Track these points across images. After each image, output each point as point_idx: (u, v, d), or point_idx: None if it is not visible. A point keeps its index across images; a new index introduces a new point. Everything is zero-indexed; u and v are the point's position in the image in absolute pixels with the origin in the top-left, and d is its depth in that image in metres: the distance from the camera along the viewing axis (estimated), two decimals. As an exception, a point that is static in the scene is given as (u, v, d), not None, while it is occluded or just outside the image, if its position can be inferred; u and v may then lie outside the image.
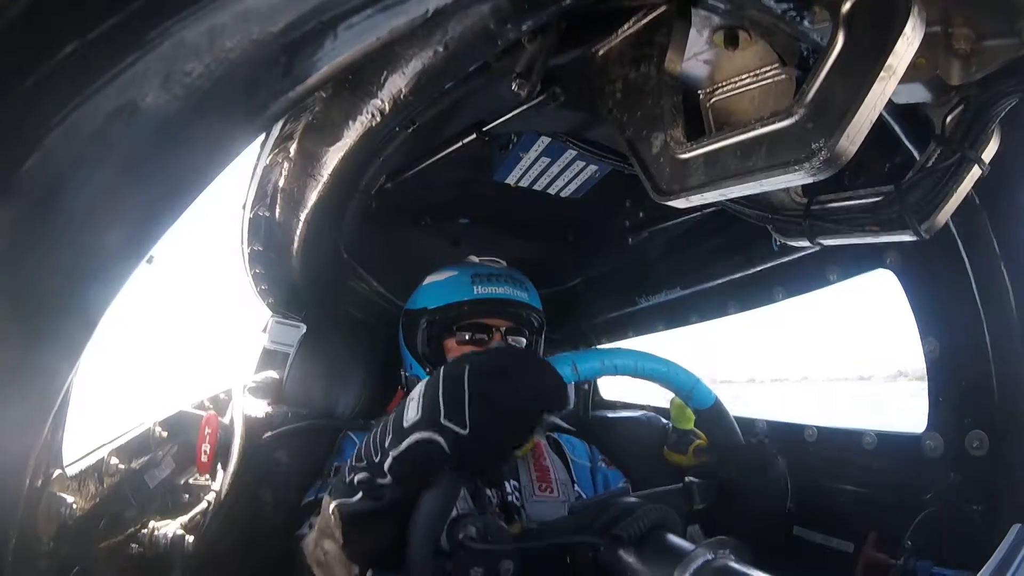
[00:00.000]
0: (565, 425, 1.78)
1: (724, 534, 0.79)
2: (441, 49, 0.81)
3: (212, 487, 1.43)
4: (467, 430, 0.82)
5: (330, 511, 0.90)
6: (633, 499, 0.95)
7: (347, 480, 0.91)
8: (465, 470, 0.86)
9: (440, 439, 0.82)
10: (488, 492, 1.45)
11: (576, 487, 1.58)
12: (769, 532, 1.11)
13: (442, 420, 0.83)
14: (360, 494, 0.88)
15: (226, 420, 1.55)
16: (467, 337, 1.60)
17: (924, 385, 1.21)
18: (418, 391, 0.89)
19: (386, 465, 0.85)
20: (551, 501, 1.49)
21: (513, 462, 1.55)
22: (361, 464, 0.90)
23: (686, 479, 1.06)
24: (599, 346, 2.31)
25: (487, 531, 0.85)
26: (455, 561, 0.82)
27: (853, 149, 0.71)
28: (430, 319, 1.63)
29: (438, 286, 1.66)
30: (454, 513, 0.86)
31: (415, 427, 0.84)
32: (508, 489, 1.48)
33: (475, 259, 1.73)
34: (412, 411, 0.87)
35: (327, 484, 1.37)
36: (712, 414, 1.10)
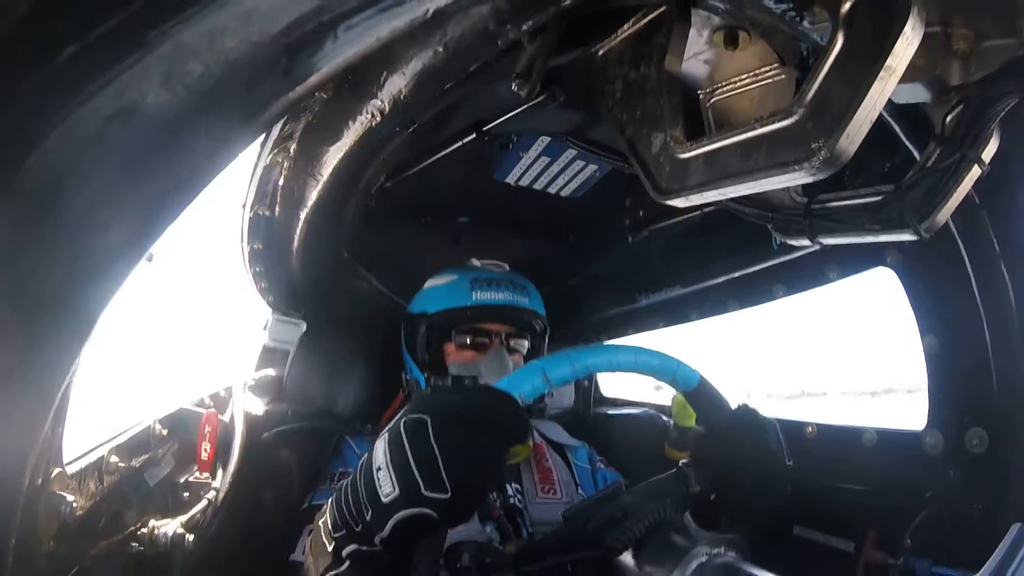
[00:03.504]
0: (563, 439, 1.76)
1: (725, 521, 0.79)
2: (441, 50, 0.81)
3: (212, 485, 1.43)
4: (450, 494, 0.77)
5: None
6: (629, 497, 0.94)
7: (330, 549, 0.86)
8: (455, 524, 0.84)
9: (428, 511, 0.78)
10: (490, 496, 1.45)
11: (580, 490, 1.58)
12: (770, 509, 1.10)
13: (424, 493, 0.77)
14: (348, 563, 0.84)
15: (226, 418, 1.55)
16: (467, 342, 1.59)
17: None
18: (383, 456, 0.82)
19: (376, 539, 0.81)
20: (554, 503, 1.48)
21: (514, 466, 1.54)
22: (341, 533, 0.85)
23: (680, 463, 1.05)
24: (590, 344, 2.30)
25: (483, 556, 0.84)
26: None
27: (853, 149, 0.71)
28: (429, 324, 1.62)
29: (438, 290, 1.65)
30: (450, 541, 0.84)
31: (396, 505, 0.79)
32: (510, 492, 1.47)
33: (477, 263, 1.71)
34: (386, 484, 0.80)
35: (327, 492, 1.34)
36: (700, 393, 1.08)
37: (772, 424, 1.09)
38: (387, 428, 0.85)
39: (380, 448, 0.84)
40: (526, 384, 0.90)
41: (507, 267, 1.72)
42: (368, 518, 0.81)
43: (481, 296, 1.58)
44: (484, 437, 0.83)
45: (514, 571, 0.84)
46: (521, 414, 0.88)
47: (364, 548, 0.83)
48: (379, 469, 0.82)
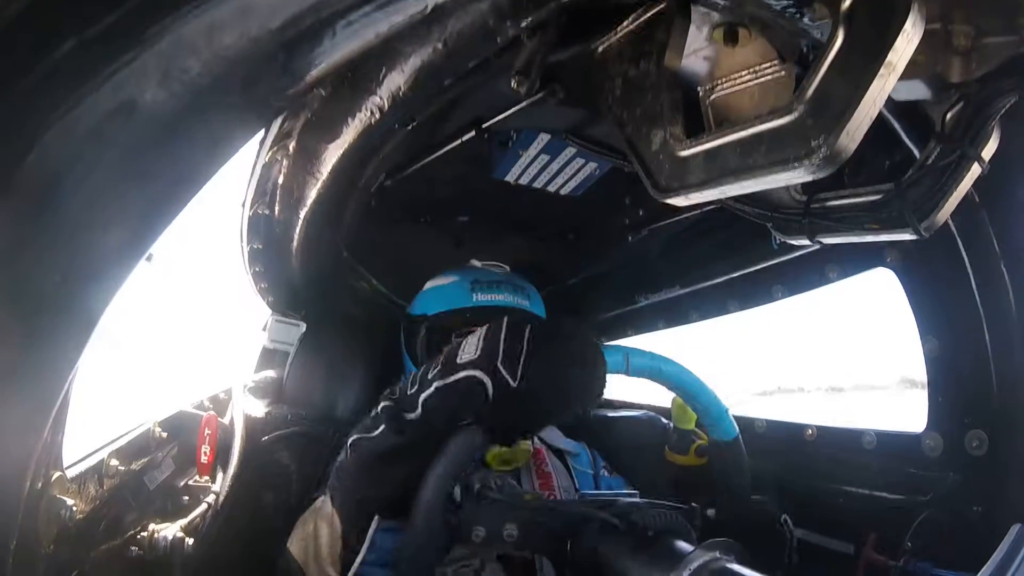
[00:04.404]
0: (563, 445, 1.75)
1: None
2: (440, 46, 0.81)
3: (212, 489, 1.42)
4: (516, 383, 0.82)
5: (348, 444, 0.88)
6: (641, 500, 0.95)
7: (372, 413, 0.91)
8: (494, 431, 0.86)
9: (489, 383, 0.82)
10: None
11: (578, 495, 1.57)
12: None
13: (498, 364, 0.82)
14: (383, 427, 0.87)
15: (226, 420, 1.55)
16: None
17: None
18: (479, 333, 0.89)
19: (421, 397, 0.85)
20: None
21: (515, 470, 1.54)
22: (393, 396, 0.90)
23: (691, 505, 1.06)
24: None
25: (503, 488, 0.85)
26: (464, 510, 0.82)
27: (853, 146, 0.71)
28: (429, 326, 1.62)
29: (438, 292, 1.64)
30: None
31: (468, 364, 0.84)
32: None
33: (477, 264, 1.70)
34: (469, 349, 0.86)
35: None
36: (730, 449, 1.10)
37: (785, 523, 1.10)
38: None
39: (479, 329, 0.90)
40: (610, 357, 0.94)
41: (508, 268, 1.71)
42: (432, 374, 0.87)
43: (482, 298, 1.57)
44: (567, 368, 0.88)
45: (530, 510, 0.84)
46: (604, 373, 0.91)
47: (403, 413, 0.87)
48: (468, 342, 0.89)
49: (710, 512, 1.12)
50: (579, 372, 0.88)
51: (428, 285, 1.69)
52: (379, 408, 0.89)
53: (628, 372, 0.99)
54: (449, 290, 1.62)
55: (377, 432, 0.87)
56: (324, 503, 0.93)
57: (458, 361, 0.86)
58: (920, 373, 1.21)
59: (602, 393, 0.92)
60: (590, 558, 0.83)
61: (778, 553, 1.08)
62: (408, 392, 0.87)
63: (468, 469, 0.85)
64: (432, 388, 0.85)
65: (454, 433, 0.83)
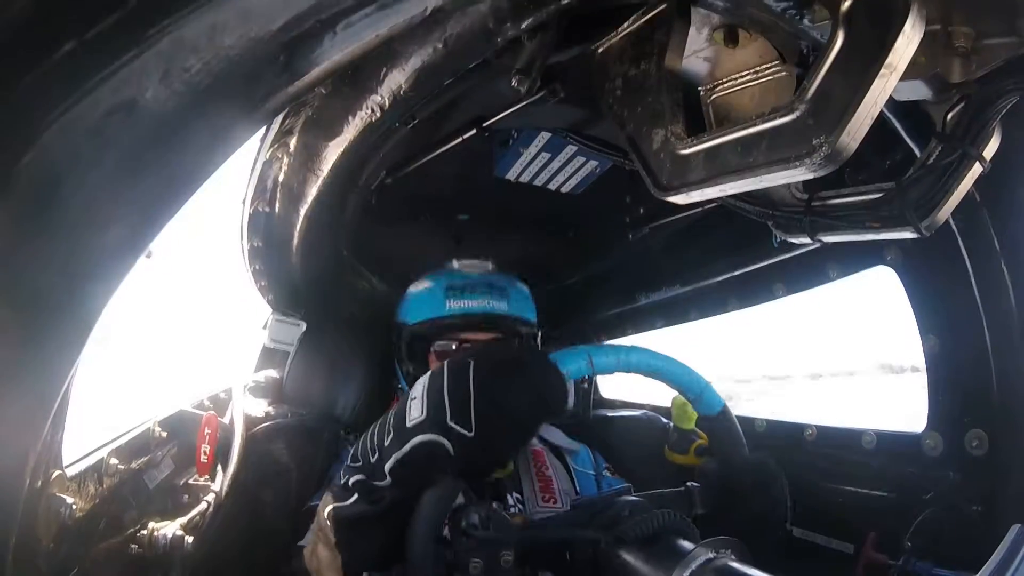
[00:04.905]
0: (564, 443, 1.74)
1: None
2: (440, 46, 0.81)
3: (212, 487, 1.42)
4: (472, 433, 0.79)
5: (324, 516, 0.88)
6: (636, 498, 0.94)
7: (342, 482, 0.88)
8: (468, 476, 0.84)
9: (446, 442, 0.79)
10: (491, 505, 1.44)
11: (571, 503, 1.56)
12: (769, 539, 1.10)
13: (448, 422, 0.80)
14: (356, 496, 0.85)
15: (226, 420, 1.55)
16: (452, 348, 1.57)
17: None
18: (421, 389, 0.85)
19: (386, 467, 0.82)
20: (555, 511, 1.46)
21: (515, 473, 1.53)
22: (357, 464, 0.87)
23: (687, 484, 1.05)
24: (605, 343, 2.30)
25: (490, 520, 0.84)
26: (456, 549, 0.81)
27: (854, 145, 0.71)
28: (410, 334, 1.61)
29: (416, 299, 1.63)
30: (458, 501, 0.84)
31: (419, 428, 0.81)
32: (511, 501, 1.46)
33: (456, 264, 1.67)
34: (415, 410, 0.83)
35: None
36: (719, 421, 1.09)
37: (782, 479, 1.09)
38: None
39: (420, 382, 0.87)
40: (572, 363, 0.92)
41: (490, 265, 1.68)
42: (388, 443, 0.83)
43: (455, 305, 1.55)
44: (521, 395, 0.85)
45: (518, 539, 0.83)
46: (563, 386, 0.89)
47: (373, 482, 0.84)
48: (414, 399, 0.85)
49: (706, 458, 1.11)
50: (535, 395, 0.86)
51: (408, 290, 1.68)
52: (348, 480, 0.86)
53: (594, 372, 0.97)
54: (424, 298, 1.60)
55: (351, 501, 0.85)
56: (318, 523, 0.92)
57: (408, 426, 0.82)
58: (895, 358, 1.21)
59: (565, 402, 0.90)
60: (590, 562, 0.83)
61: (780, 509, 1.07)
62: (371, 460, 0.84)
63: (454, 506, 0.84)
64: (392, 461, 0.81)
65: (428, 488, 0.81)
